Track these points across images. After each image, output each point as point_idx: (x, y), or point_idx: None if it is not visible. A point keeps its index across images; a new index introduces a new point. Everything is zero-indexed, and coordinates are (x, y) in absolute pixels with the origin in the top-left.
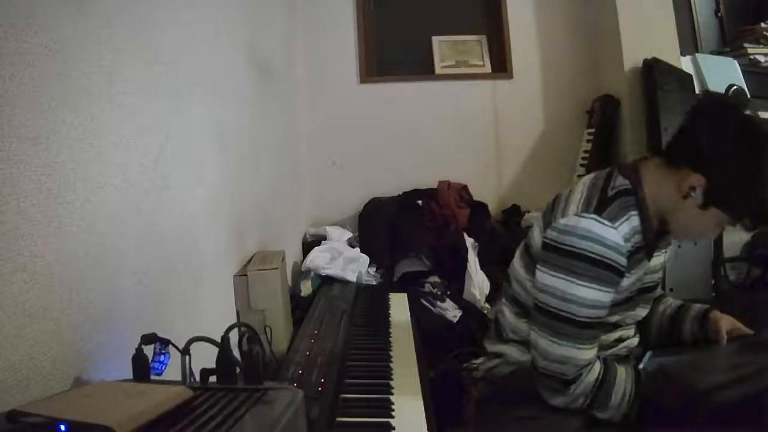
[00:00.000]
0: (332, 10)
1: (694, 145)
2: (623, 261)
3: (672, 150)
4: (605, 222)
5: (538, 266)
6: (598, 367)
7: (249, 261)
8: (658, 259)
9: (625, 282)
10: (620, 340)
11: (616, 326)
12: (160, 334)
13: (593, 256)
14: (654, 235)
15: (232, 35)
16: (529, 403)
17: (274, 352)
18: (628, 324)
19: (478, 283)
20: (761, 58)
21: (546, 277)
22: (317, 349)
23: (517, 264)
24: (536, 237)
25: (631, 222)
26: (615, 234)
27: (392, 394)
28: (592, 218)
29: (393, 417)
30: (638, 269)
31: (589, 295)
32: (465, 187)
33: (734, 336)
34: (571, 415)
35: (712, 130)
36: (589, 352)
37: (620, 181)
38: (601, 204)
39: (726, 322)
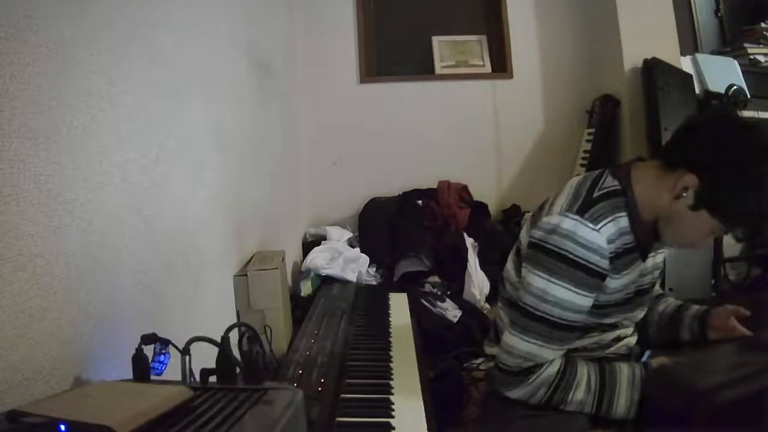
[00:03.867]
0: (332, 10)
1: (690, 146)
2: (605, 264)
3: (667, 151)
4: (587, 224)
5: (523, 264)
6: (558, 362)
7: (249, 261)
8: (653, 260)
9: (615, 283)
10: (618, 339)
11: (614, 326)
12: (160, 334)
13: (574, 258)
14: (647, 235)
15: (231, 35)
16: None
17: (274, 352)
18: (626, 325)
19: (478, 283)
20: (761, 58)
21: (528, 274)
22: (317, 349)
23: (509, 266)
24: (524, 238)
25: (618, 223)
26: (597, 236)
27: (392, 394)
28: (575, 219)
29: (393, 417)
30: (632, 270)
31: (566, 296)
32: (465, 187)
33: (734, 336)
34: (574, 414)
35: (709, 132)
36: (554, 353)
37: (609, 182)
38: (585, 205)
39: (728, 314)
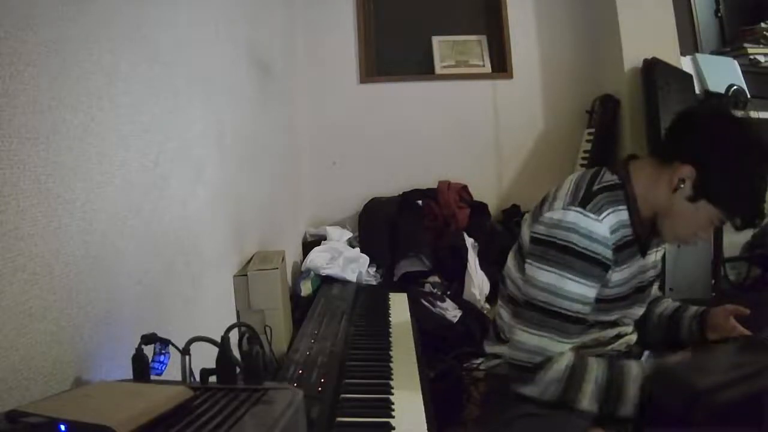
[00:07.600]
0: (332, 10)
1: (684, 139)
2: (609, 254)
3: (662, 147)
4: (590, 215)
5: (526, 261)
6: (569, 355)
7: (249, 261)
8: (652, 257)
9: (616, 276)
10: (619, 336)
11: (614, 324)
12: (160, 334)
13: (580, 249)
14: (645, 231)
15: (231, 35)
16: (531, 401)
17: (274, 352)
18: (626, 323)
19: (478, 283)
20: (761, 58)
21: (535, 270)
22: (317, 349)
23: (510, 264)
24: (525, 234)
25: (618, 215)
26: (600, 226)
27: (392, 394)
28: (577, 211)
29: (393, 417)
30: (631, 264)
31: (576, 289)
32: (465, 187)
33: (733, 336)
34: (574, 413)
35: (702, 124)
36: (565, 346)
37: (608, 177)
38: (586, 198)
39: (727, 314)
